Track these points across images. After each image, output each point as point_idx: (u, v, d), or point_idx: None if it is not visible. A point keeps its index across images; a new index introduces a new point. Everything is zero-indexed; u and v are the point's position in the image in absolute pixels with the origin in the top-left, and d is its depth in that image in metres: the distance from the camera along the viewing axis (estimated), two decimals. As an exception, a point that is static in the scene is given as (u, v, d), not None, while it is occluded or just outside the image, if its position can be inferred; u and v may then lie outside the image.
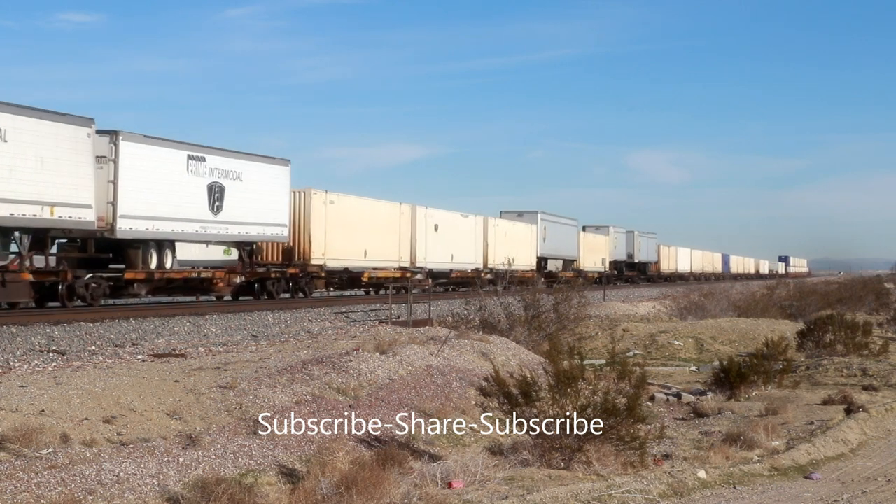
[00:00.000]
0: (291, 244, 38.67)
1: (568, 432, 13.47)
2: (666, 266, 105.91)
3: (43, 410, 12.16)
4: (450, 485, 11.89)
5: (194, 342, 20.98)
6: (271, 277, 37.50)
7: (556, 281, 58.00)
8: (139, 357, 17.60)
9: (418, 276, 48.31)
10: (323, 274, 40.30)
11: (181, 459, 11.67)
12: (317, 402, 15.07)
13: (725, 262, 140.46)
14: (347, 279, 43.62)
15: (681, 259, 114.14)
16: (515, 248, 59.67)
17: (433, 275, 51.23)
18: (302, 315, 29.26)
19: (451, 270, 53.65)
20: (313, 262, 39.25)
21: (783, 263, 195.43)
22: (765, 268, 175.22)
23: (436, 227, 50.94)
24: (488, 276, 50.10)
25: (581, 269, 75.08)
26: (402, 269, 47.12)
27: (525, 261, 61.10)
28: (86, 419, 12.20)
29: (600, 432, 13.40)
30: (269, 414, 13.97)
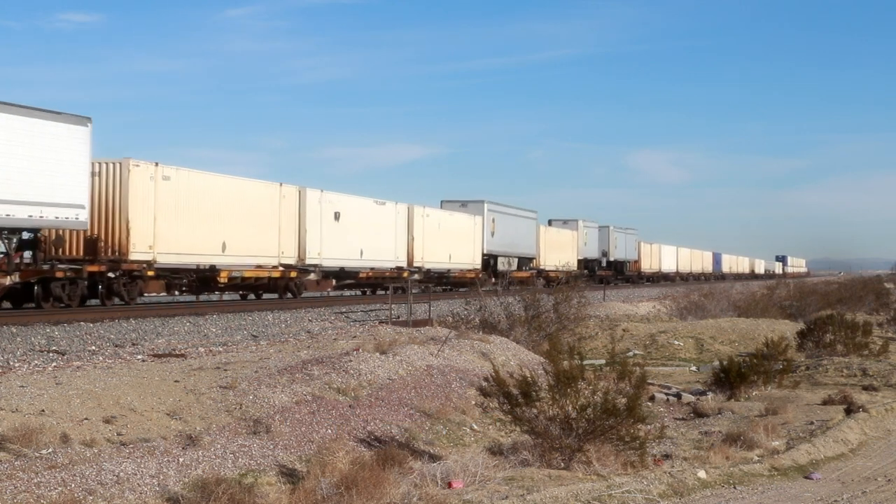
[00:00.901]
0: (95, 233, 29.14)
1: (568, 432, 13.49)
2: (648, 265, 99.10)
3: (43, 410, 12.16)
4: (450, 485, 11.89)
5: (194, 342, 20.98)
6: (57, 278, 27.26)
7: (509, 283, 54.83)
8: (139, 357, 17.61)
9: (311, 276, 40.24)
10: (151, 273, 30.64)
11: (181, 459, 11.67)
12: (317, 402, 15.07)
13: (717, 261, 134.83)
14: (197, 280, 33.64)
15: (665, 257, 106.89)
16: (454, 243, 52.52)
17: (335, 275, 42.34)
18: (302, 315, 29.26)
19: (360, 269, 43.99)
20: (133, 256, 29.64)
21: (780, 263, 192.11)
22: (760, 267, 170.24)
23: (336, 216, 41.32)
24: (415, 275, 46.30)
25: (541, 268, 67.06)
26: (283, 266, 37.82)
27: (466, 258, 54.35)
28: (86, 419, 12.20)
29: (600, 432, 13.42)
30: (269, 414, 13.98)
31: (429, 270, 50.25)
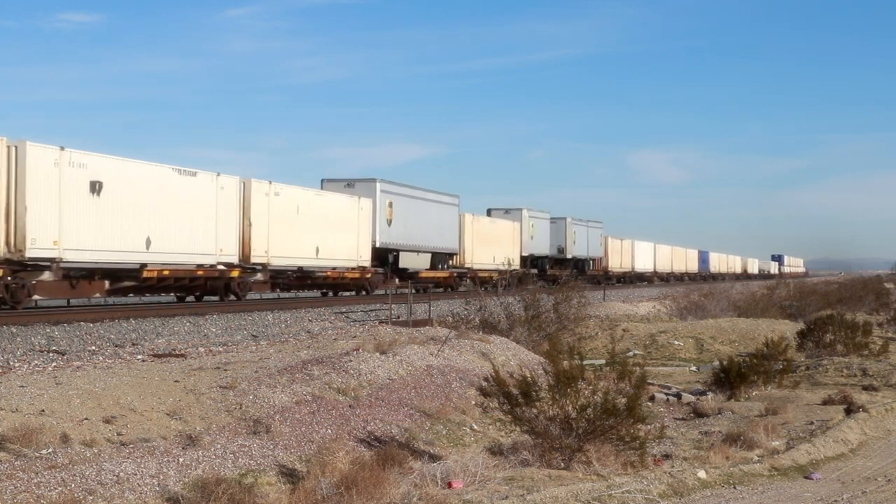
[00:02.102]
0: None
1: (568, 432, 13.49)
2: (616, 263, 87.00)
3: (43, 410, 12.16)
4: (450, 485, 11.89)
5: (194, 342, 20.98)
6: None
7: (419, 284, 47.11)
8: (139, 357, 17.61)
9: (45, 277, 26.36)
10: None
11: (181, 459, 11.67)
12: (317, 402, 15.07)
13: (703, 259, 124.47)
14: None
15: (640, 255, 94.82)
16: (328, 233, 40.23)
17: (103, 273, 28.94)
18: (302, 315, 29.27)
19: (144, 265, 29.63)
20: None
21: (776, 263, 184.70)
22: (754, 267, 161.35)
23: (97, 188, 27.65)
24: (257, 275, 35.72)
25: (468, 266, 55.70)
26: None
27: (346, 252, 41.90)
28: (86, 419, 12.20)
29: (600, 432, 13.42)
30: (269, 414, 13.98)
31: (277, 268, 37.00)
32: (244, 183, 35.04)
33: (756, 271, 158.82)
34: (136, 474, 10.93)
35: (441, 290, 49.65)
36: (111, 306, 31.65)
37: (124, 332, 21.78)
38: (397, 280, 45.98)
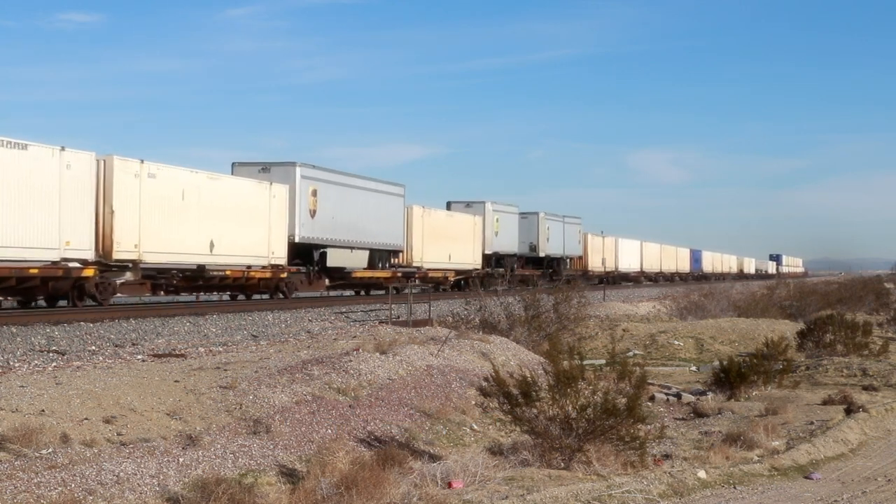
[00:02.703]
0: None
1: (568, 432, 13.50)
2: (598, 262, 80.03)
3: (43, 410, 12.16)
4: (450, 485, 11.89)
5: (194, 342, 20.98)
6: None
7: (353, 286, 44.11)
8: (139, 357, 17.61)
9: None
10: None
11: (181, 459, 11.67)
12: (317, 402, 15.07)
13: (695, 258, 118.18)
14: None
15: (624, 254, 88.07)
16: (229, 225, 33.68)
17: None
18: (302, 315, 29.28)
19: None
20: None
21: (774, 262, 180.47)
22: (750, 267, 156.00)
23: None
24: (127, 274, 29.37)
25: (417, 264, 49.31)
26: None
27: (256, 248, 35.42)
28: (86, 419, 12.20)
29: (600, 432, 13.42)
30: (269, 414, 13.98)
31: (153, 266, 30.54)
32: (103, 161, 28.43)
33: (752, 271, 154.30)
34: (136, 474, 10.93)
35: (383, 292, 41.88)
36: (111, 306, 31.63)
37: (124, 332, 21.78)
38: (327, 280, 40.84)
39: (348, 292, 46.97)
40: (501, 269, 56.38)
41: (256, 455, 12.55)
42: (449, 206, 57.42)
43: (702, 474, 13.39)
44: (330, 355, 18.07)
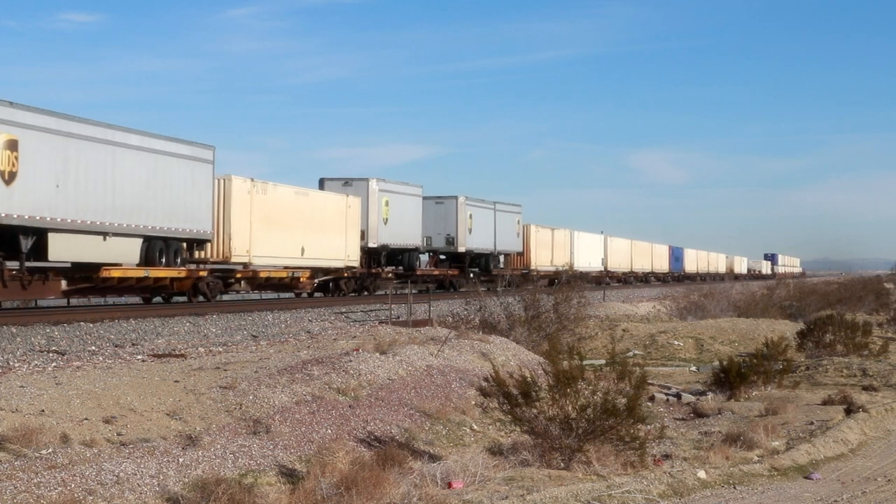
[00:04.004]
0: None
1: (568, 432, 13.50)
2: (545, 260, 66.62)
3: (43, 410, 12.16)
4: (450, 485, 11.89)
5: (194, 342, 20.97)
6: None
7: (107, 290, 29.58)
8: (139, 357, 17.60)
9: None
10: None
11: (181, 459, 11.67)
12: (317, 402, 15.07)
13: (676, 257, 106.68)
14: None
15: (583, 250, 75.00)
16: None
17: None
18: (302, 315, 29.28)
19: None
20: None
21: (769, 262, 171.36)
22: (741, 266, 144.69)
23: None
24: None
25: (240, 259, 35.24)
26: None
27: None
28: (86, 419, 12.20)
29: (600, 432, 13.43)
30: (269, 414, 13.98)
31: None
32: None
33: (744, 271, 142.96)
34: (136, 474, 10.93)
35: (163, 299, 34.02)
36: (111, 306, 31.63)
37: (124, 332, 21.78)
38: (64, 282, 27.91)
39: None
40: (398, 267, 47.46)
41: (256, 455, 12.55)
42: (322, 183, 44.88)
43: (702, 474, 13.39)
44: (330, 355, 18.07)
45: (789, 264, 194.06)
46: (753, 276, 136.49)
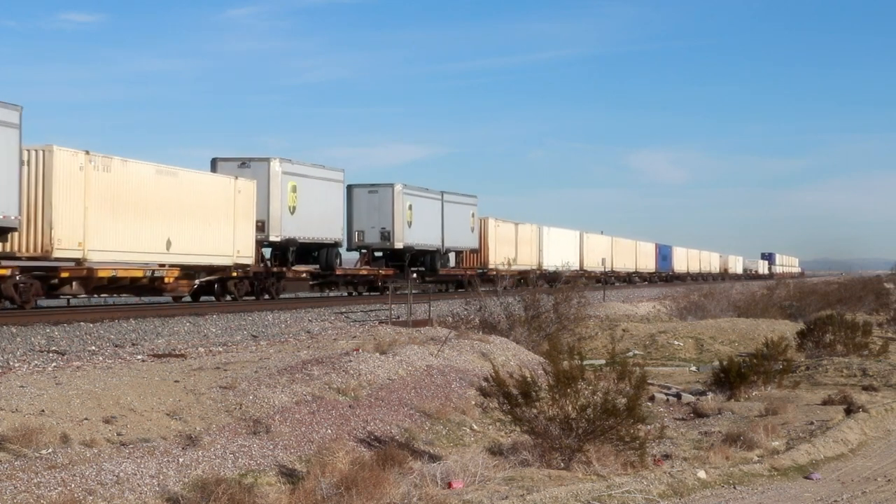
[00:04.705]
0: None
1: (568, 432, 13.50)
2: (507, 258, 59.65)
3: (43, 410, 12.16)
4: (450, 485, 11.89)
5: (194, 342, 20.98)
6: None
7: None
8: (139, 357, 17.60)
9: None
10: None
11: (181, 459, 11.67)
12: (317, 402, 15.07)
13: (663, 256, 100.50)
14: None
15: (555, 247, 67.59)
16: None
17: None
18: (302, 315, 29.28)
19: None
20: None
21: (766, 262, 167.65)
22: (737, 266, 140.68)
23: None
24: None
25: (64, 253, 27.32)
26: None
27: None
28: (86, 419, 12.20)
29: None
30: (269, 414, 13.98)
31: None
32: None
33: (740, 271, 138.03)
34: (136, 474, 10.93)
35: None
36: (111, 306, 31.63)
37: (124, 332, 21.78)
38: None
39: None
40: (314, 266, 41.41)
41: (256, 455, 12.55)
42: (214, 165, 38.00)
43: (702, 474, 13.39)
44: (330, 355, 18.07)
45: (787, 264, 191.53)
46: (749, 276, 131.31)
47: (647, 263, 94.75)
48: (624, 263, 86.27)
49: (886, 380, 23.63)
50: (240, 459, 12.26)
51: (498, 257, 58.66)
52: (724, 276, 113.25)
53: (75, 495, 10.10)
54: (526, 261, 62.31)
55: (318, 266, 41.97)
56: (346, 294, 45.25)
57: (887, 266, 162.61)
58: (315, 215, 40.58)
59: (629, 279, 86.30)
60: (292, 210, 39.23)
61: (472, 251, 56.45)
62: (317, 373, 16.41)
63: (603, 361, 26.01)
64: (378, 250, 47.74)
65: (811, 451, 15.46)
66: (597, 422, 13.44)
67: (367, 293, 45.51)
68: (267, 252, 39.37)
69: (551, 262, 65.81)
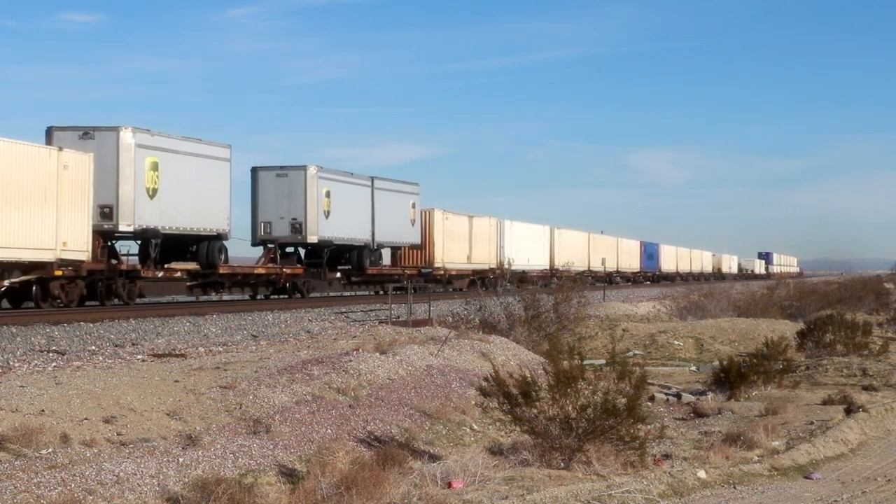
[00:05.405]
0: None
1: (568, 432, 13.50)
2: (461, 255, 52.84)
3: (43, 410, 12.16)
4: (450, 485, 11.89)
5: (194, 342, 20.98)
6: None
7: None
8: (139, 357, 17.61)
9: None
10: None
11: (181, 459, 11.67)
12: (317, 402, 15.07)
13: (649, 254, 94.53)
14: None
15: (517, 244, 60.63)
16: None
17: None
18: (302, 315, 29.29)
19: None
20: None
21: (763, 261, 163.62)
22: (731, 265, 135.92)
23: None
24: None
25: None
26: None
27: None
28: (86, 419, 12.20)
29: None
30: (269, 414, 13.98)
31: None
32: None
33: (734, 270, 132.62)
34: (136, 474, 10.93)
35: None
36: (111, 306, 31.63)
37: (124, 332, 21.78)
38: None
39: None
40: (192, 265, 33.78)
41: (256, 455, 12.55)
42: (49, 136, 30.29)
43: (702, 474, 13.39)
44: (330, 355, 18.07)
45: (786, 263, 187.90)
46: (745, 276, 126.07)
47: (631, 262, 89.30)
48: (603, 262, 79.42)
49: (886, 380, 23.64)
50: (240, 459, 12.26)
51: (447, 255, 51.41)
52: (717, 276, 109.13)
53: (75, 495, 10.10)
54: (483, 259, 55.89)
55: (197, 263, 34.10)
56: (247, 297, 38.18)
57: (887, 266, 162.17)
58: (187, 200, 32.55)
59: (609, 279, 77.94)
60: (152, 193, 31.15)
61: (414, 247, 49.32)
62: (317, 373, 16.42)
63: (603, 361, 26.02)
64: (288, 245, 40.66)
65: (811, 450, 15.46)
66: (597, 422, 13.44)
67: (275, 296, 39.01)
68: (131, 246, 32.29)
69: (518, 261, 58.63)
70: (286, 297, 39.02)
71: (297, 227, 39.45)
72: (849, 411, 18.63)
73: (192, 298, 34.34)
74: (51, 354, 17.48)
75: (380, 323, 27.03)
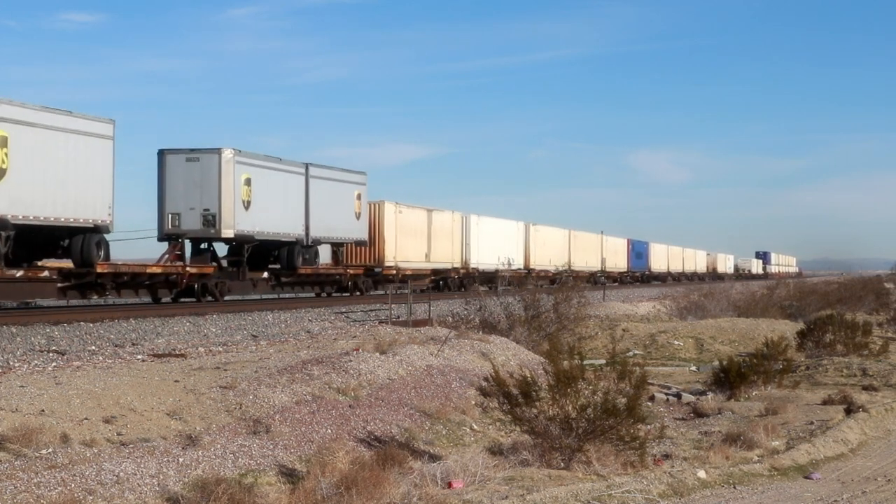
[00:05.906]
0: None
1: (568, 432, 13.50)
2: (419, 253, 47.72)
3: (43, 410, 12.16)
4: (450, 485, 11.89)
5: (194, 342, 20.98)
6: None
7: None
8: (139, 357, 17.60)
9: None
10: None
11: (181, 459, 11.67)
12: (317, 402, 15.07)
13: (637, 253, 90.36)
14: None
15: (485, 242, 55.50)
16: None
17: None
18: (302, 315, 29.29)
19: None
20: None
21: (760, 261, 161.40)
22: (727, 265, 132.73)
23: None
24: None
25: None
26: None
27: None
28: (86, 419, 12.20)
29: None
30: (269, 414, 13.98)
31: None
32: None
33: (730, 270, 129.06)
34: (136, 474, 10.93)
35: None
36: (111, 306, 31.62)
37: (124, 332, 21.78)
38: None
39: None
40: (64, 263, 28.38)
41: (256, 455, 12.55)
42: None
43: (702, 474, 13.39)
44: (330, 355, 18.07)
45: (784, 263, 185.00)
46: (741, 275, 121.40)
47: (618, 262, 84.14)
48: (586, 261, 73.68)
49: (886, 380, 23.64)
50: (240, 459, 12.26)
51: (401, 252, 45.86)
52: (711, 276, 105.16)
53: (75, 495, 10.10)
54: (445, 257, 50.49)
55: (71, 261, 28.46)
56: (148, 301, 32.67)
57: (887, 266, 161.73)
58: (43, 186, 26.45)
59: (593, 279, 72.24)
60: (17, 179, 25.41)
61: (360, 244, 43.62)
62: (317, 373, 16.41)
63: (603, 361, 26.04)
64: (201, 240, 35.03)
65: (811, 450, 15.46)
66: (597, 422, 13.44)
67: (185, 299, 33.34)
68: None
69: (483, 260, 54.30)
70: (193, 299, 33.23)
71: (210, 220, 33.96)
72: (849, 411, 18.63)
73: (63, 303, 28.36)
74: (51, 354, 17.47)
75: (380, 323, 27.03)
